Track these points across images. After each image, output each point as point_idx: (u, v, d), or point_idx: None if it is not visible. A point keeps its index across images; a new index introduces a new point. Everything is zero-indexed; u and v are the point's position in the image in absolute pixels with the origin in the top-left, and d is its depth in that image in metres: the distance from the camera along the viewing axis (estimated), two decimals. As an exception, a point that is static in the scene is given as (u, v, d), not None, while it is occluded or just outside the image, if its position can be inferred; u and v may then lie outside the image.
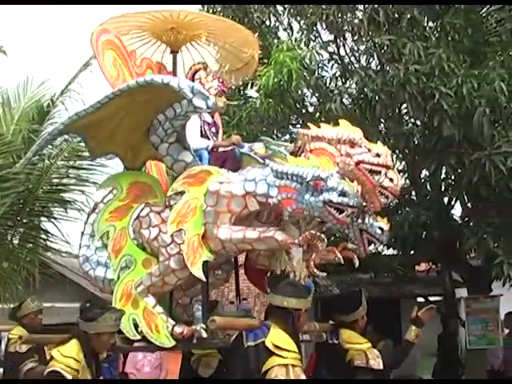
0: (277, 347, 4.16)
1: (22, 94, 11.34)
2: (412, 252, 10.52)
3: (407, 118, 9.12)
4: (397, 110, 8.68)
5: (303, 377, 4.14)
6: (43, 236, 11.21)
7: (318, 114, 9.00)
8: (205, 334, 5.03)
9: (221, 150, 5.55)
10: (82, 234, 5.87)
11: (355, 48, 9.77)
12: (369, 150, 4.99)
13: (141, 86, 4.90)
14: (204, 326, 5.05)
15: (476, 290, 11.00)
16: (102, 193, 11.19)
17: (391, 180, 5.03)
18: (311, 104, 9.55)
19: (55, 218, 11.12)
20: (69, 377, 4.70)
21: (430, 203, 9.19)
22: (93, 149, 5.49)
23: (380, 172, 4.95)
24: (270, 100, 8.79)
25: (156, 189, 5.47)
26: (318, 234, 4.74)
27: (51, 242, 11.19)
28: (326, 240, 4.77)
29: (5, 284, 10.73)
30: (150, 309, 5.25)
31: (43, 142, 5.61)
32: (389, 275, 12.83)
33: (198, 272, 4.97)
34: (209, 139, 5.69)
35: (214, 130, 5.81)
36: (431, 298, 15.28)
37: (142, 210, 5.38)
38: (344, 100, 8.58)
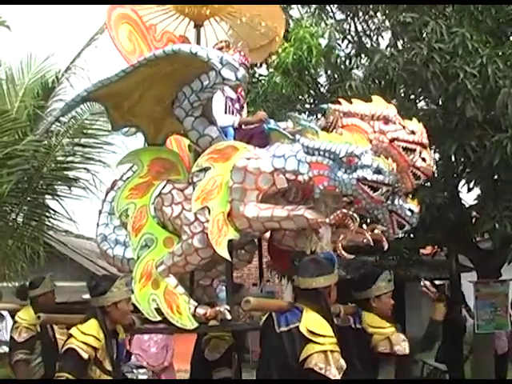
0: (313, 333, 3.97)
1: (25, 69, 11.12)
2: (419, 235, 10.35)
3: (428, 98, 8.93)
4: (418, 90, 8.48)
5: (342, 362, 3.96)
6: (47, 214, 11.06)
7: (334, 92, 8.75)
8: (229, 316, 4.88)
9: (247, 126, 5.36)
10: (100, 212, 5.70)
11: (371, 27, 9.56)
12: (403, 127, 4.81)
13: (167, 55, 4.70)
14: (228, 308, 4.88)
15: (485, 274, 10.88)
16: (108, 171, 11.10)
17: (424, 160, 4.87)
18: (330, 81, 9.32)
19: (60, 196, 10.96)
20: (84, 355, 4.55)
21: (444, 185, 9.02)
22: (115, 120, 5.28)
23: (415, 150, 4.77)
24: (288, 77, 8.58)
25: (179, 165, 5.27)
26: (351, 212, 4.56)
27: (55, 220, 11.05)
28: (358, 219, 4.60)
29: (9, 262, 10.58)
30: (172, 289, 5.07)
31: (65, 107, 5.40)
32: (394, 258, 12.68)
33: (223, 251, 4.79)
34: (233, 115, 5.49)
35: (237, 106, 5.61)
36: (436, 282, 15.20)
37: (164, 187, 5.18)
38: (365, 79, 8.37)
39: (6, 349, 11.59)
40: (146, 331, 5.61)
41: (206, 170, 5.02)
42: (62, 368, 4.54)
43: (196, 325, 4.99)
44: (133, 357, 9.30)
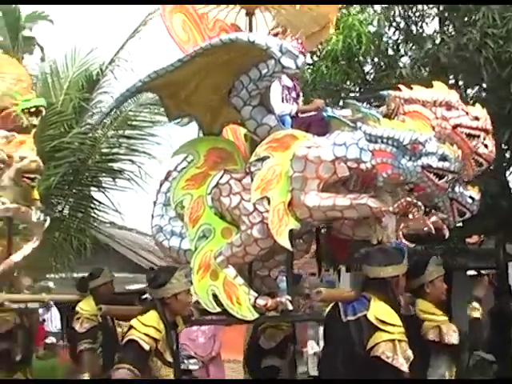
0: (381, 321, 3.94)
1: (70, 63, 11.25)
2: (468, 223, 10.17)
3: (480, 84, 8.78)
4: (470, 76, 8.33)
5: (409, 353, 3.92)
6: (92, 206, 11.15)
7: (381, 80, 8.64)
8: (290, 307, 4.82)
9: (304, 114, 5.29)
10: (155, 203, 5.67)
11: (415, 13, 9.41)
12: (466, 113, 4.71)
13: (224, 43, 4.65)
14: (290, 298, 4.83)
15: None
16: (153, 163, 11.11)
17: (486, 146, 4.77)
18: (376, 69, 9.19)
19: (105, 188, 11.05)
20: (146, 347, 4.51)
21: (495, 173, 8.86)
22: (170, 110, 5.24)
23: (478, 136, 4.67)
24: (336, 65, 8.49)
25: (235, 155, 5.20)
26: (415, 201, 4.48)
27: (100, 211, 11.14)
28: (423, 208, 4.52)
29: (56, 254, 10.67)
30: (231, 280, 5.01)
31: (121, 98, 5.36)
32: (441, 247, 12.52)
33: (284, 241, 4.73)
34: (290, 104, 5.42)
35: (294, 94, 5.53)
36: (483, 272, 14.97)
37: (221, 178, 5.12)
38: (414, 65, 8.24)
39: (53, 339, 11.74)
40: (204, 322, 5.58)
41: (263, 159, 4.97)
42: (123, 359, 4.50)
43: (256, 315, 4.93)
44: (180, 347, 9.30)
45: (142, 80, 4.98)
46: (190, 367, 8.49)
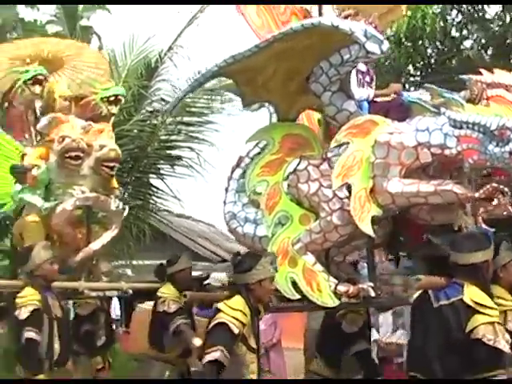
0: (479, 304, 3.94)
1: (128, 51, 11.25)
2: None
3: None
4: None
5: (507, 336, 3.91)
6: (151, 193, 11.20)
7: (444, 63, 8.51)
8: (373, 293, 4.80)
9: (381, 99, 5.23)
10: (226, 190, 5.65)
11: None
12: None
13: (306, 28, 4.62)
14: (371, 285, 4.80)
15: None
16: (213, 150, 11.11)
17: None
18: (439, 52, 9.05)
19: (163, 175, 11.08)
20: (235, 330, 4.47)
21: None
22: (245, 96, 5.21)
23: None
24: (400, 48, 8.37)
25: (312, 141, 5.16)
26: (501, 186, 4.41)
27: (158, 198, 11.19)
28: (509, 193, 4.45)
29: (116, 241, 10.72)
30: (310, 267, 4.99)
31: (195, 83, 5.37)
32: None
33: (366, 228, 4.70)
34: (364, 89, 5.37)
35: (368, 78, 5.47)
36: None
37: (298, 164, 5.09)
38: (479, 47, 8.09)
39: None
40: (283, 309, 5.56)
41: (340, 145, 4.93)
42: (215, 342, 4.44)
43: (337, 302, 4.91)
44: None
45: (218, 65, 4.95)
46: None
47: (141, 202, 11.03)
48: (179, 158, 10.87)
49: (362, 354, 5.46)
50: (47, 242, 5.54)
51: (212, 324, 4.53)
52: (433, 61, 9.48)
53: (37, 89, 6.45)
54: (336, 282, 4.94)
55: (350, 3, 8.09)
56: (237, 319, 4.48)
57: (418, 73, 9.65)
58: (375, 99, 5.32)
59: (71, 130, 5.99)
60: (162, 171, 11.11)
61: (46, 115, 6.20)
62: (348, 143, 4.85)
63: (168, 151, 11.04)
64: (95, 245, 6.12)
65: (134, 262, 11.15)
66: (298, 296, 5.03)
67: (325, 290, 4.92)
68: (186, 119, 11.04)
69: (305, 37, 4.68)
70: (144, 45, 11.24)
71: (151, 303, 7.04)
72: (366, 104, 5.19)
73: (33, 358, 5.15)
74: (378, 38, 4.42)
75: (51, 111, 6.29)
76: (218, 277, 7.43)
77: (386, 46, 4.45)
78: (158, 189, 10.97)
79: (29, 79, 6.43)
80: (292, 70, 4.95)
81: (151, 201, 11.13)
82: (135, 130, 10.35)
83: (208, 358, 4.40)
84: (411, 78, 9.74)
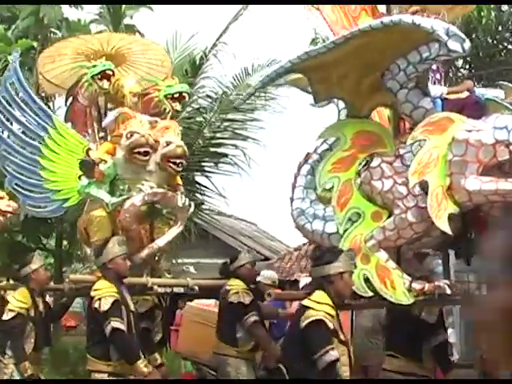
0: None
1: (171, 49, 11.30)
2: None
3: None
4: None
5: None
6: (196, 191, 11.23)
7: (493, 56, 8.40)
8: (449, 291, 4.77)
9: (454, 96, 5.21)
10: (294, 186, 5.63)
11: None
12: None
13: (385, 26, 4.61)
14: (448, 282, 4.78)
15: None
16: (258, 148, 11.09)
17: None
18: (490, 45, 8.94)
19: (208, 173, 11.11)
20: (330, 325, 4.43)
21: None
22: (318, 93, 5.19)
23: None
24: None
25: (385, 138, 5.15)
26: None
27: (203, 196, 11.21)
28: None
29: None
30: (383, 264, 4.98)
31: (267, 79, 5.36)
32: None
33: (443, 225, 4.68)
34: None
35: (438, 76, 5.45)
36: None
37: (372, 161, 5.09)
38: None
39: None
40: (356, 307, 5.54)
41: (413, 142, 4.91)
42: (323, 343, 4.38)
43: (412, 300, 4.89)
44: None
45: (291, 61, 4.95)
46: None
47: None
48: (225, 155, 10.91)
49: (441, 345, 5.36)
50: (122, 237, 5.57)
51: (306, 322, 4.45)
52: (481, 54, 9.35)
53: (105, 84, 6.48)
54: (410, 279, 4.93)
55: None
56: (328, 313, 4.46)
57: (467, 66, 9.54)
58: (448, 96, 5.27)
59: (140, 125, 6.01)
60: (206, 168, 11.15)
61: (113, 111, 6.23)
62: (424, 140, 4.82)
63: (213, 149, 11.07)
64: (161, 241, 6.14)
65: (180, 261, 11.17)
66: (370, 293, 5.03)
67: (399, 288, 4.91)
68: (230, 116, 11.07)
69: (382, 34, 4.67)
70: (187, 42, 11.30)
71: (200, 301, 7.09)
72: (439, 101, 5.15)
73: (128, 346, 5.23)
74: (459, 36, 4.40)
75: (120, 107, 6.32)
76: (268, 275, 7.45)
77: (467, 44, 4.42)
78: (203, 186, 11.01)
79: (96, 74, 6.46)
80: (367, 67, 4.94)
81: (196, 198, 11.17)
82: (181, 128, 10.38)
83: (326, 359, 4.36)
84: (460, 72, 9.64)
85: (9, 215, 7.82)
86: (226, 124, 10.94)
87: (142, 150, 5.98)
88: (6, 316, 6.05)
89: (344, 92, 5.15)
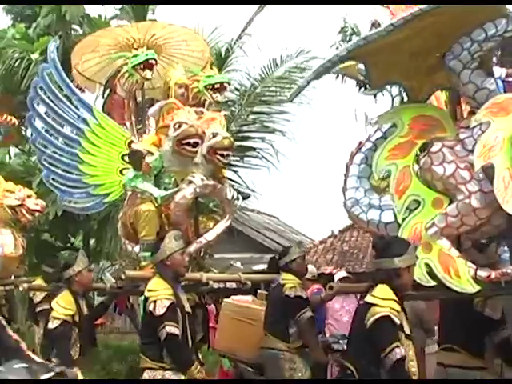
0: None
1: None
2: None
3: None
4: None
5: None
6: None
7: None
8: (517, 277, 4.59)
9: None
10: (346, 176, 5.46)
11: None
12: None
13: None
14: (515, 269, 4.61)
15: None
16: (284, 140, 10.94)
17: None
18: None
19: (236, 167, 10.96)
20: (397, 321, 4.22)
21: None
22: (375, 78, 5.02)
23: None
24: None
25: (444, 122, 4.97)
26: None
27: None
28: None
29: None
30: (446, 252, 4.80)
31: (321, 69, 5.08)
32: None
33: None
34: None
35: (493, 59, 5.26)
36: None
37: (432, 146, 4.91)
38: None
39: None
40: (418, 297, 5.37)
41: (474, 126, 4.75)
42: (390, 340, 4.17)
43: (477, 288, 4.71)
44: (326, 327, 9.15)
45: (348, 48, 4.78)
46: (345, 347, 8.32)
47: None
48: (253, 149, 10.75)
49: (505, 341, 5.19)
50: (179, 232, 5.39)
51: (372, 320, 4.25)
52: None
53: (148, 74, 6.30)
54: (475, 267, 4.75)
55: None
56: (394, 309, 4.26)
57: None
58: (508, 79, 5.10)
59: (188, 115, 5.83)
60: (232, 163, 10.99)
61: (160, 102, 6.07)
62: (488, 123, 4.65)
63: (239, 142, 10.92)
64: (209, 235, 5.99)
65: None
66: (433, 283, 4.85)
67: (464, 276, 4.73)
68: (256, 109, 10.93)
69: (446, 13, 4.49)
70: (211, 35, 11.15)
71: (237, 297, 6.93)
72: (499, 82, 4.98)
73: (182, 352, 5.12)
74: None
75: (166, 98, 6.15)
76: (309, 269, 7.32)
77: None
78: (231, 180, 10.86)
79: (139, 64, 6.28)
80: (427, 49, 4.77)
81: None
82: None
83: (392, 357, 4.16)
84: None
85: (37, 214, 7.72)
86: (252, 117, 10.78)
87: (191, 140, 5.79)
88: (52, 324, 5.91)
89: (402, 76, 4.97)
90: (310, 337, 6.02)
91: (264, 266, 11.70)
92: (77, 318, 5.88)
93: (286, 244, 14.45)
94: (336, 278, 8.36)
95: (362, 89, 7.06)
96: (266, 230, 14.45)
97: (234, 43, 10.88)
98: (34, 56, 11.06)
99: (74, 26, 11.51)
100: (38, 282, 7.23)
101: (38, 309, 7.67)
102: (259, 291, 7.19)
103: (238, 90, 10.82)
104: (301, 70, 10.98)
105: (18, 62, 11.14)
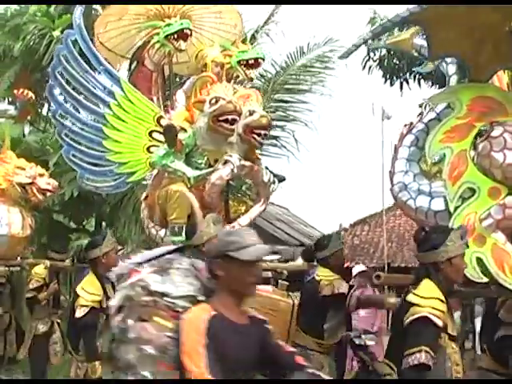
0: None
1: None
2: None
3: None
4: None
5: None
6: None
7: None
8: None
9: None
10: (395, 158, 5.08)
11: None
12: None
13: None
14: None
15: None
16: (305, 130, 10.58)
17: None
18: None
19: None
20: (439, 322, 3.86)
21: None
22: (434, 48, 4.60)
23: None
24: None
25: (507, 105, 4.59)
26: None
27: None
28: None
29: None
30: (501, 246, 4.44)
31: (380, 29, 4.60)
32: None
33: None
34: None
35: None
36: None
37: (492, 130, 4.54)
38: None
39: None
40: (467, 295, 4.99)
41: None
42: (418, 342, 3.80)
43: (535, 287, 4.35)
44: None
45: (410, 9, 4.36)
46: (368, 342, 7.97)
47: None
48: (273, 137, 10.39)
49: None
50: (218, 216, 4.99)
51: (409, 319, 3.90)
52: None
53: (182, 44, 5.90)
54: (532, 262, 4.38)
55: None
56: (436, 309, 3.89)
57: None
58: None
59: (225, 90, 5.44)
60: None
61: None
62: None
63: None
64: (243, 220, 5.62)
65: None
66: (485, 279, 4.47)
67: (518, 273, 4.36)
68: (277, 97, 10.58)
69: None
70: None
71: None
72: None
73: None
74: None
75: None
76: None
77: None
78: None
79: (172, 33, 5.87)
80: (495, 24, 4.39)
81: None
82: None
83: (410, 361, 3.79)
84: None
85: (48, 194, 7.37)
86: (274, 105, 10.42)
87: (229, 117, 5.37)
88: (79, 313, 5.56)
89: (463, 50, 4.58)
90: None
91: (275, 257, 11.41)
92: (104, 304, 5.48)
93: (296, 235, 14.16)
94: (354, 271, 8.05)
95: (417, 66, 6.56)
96: (277, 221, 14.13)
97: (261, 29, 10.52)
98: (56, 33, 10.71)
99: (95, 7, 11.12)
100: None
101: (28, 295, 7.34)
102: (280, 281, 6.88)
103: (262, 76, 10.44)
104: (323, 61, 10.64)
105: (38, 39, 10.77)
